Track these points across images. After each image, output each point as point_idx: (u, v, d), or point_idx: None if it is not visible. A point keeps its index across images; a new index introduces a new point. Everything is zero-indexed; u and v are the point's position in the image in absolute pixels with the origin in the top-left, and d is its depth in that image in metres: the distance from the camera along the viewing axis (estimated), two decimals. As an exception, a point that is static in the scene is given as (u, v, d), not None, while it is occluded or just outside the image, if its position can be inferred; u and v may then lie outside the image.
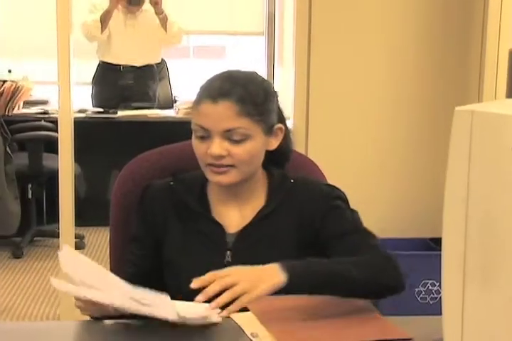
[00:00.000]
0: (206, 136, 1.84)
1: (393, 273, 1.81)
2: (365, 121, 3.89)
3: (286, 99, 3.74)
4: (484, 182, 1.21)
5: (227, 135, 1.83)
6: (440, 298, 3.99)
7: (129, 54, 6.35)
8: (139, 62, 6.38)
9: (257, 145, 1.88)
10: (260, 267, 1.72)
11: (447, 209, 1.26)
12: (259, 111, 1.86)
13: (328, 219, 1.90)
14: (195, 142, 1.88)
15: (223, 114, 1.83)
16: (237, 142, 1.84)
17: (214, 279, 1.66)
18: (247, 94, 1.85)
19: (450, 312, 1.29)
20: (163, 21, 6.18)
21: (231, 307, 1.66)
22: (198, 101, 1.87)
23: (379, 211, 3.88)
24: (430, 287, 3.83)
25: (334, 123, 3.86)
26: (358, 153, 3.88)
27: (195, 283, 1.66)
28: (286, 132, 1.98)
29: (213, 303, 1.65)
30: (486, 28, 3.79)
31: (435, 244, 3.82)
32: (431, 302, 3.81)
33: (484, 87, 3.79)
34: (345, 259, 1.81)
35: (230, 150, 1.84)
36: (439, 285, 3.81)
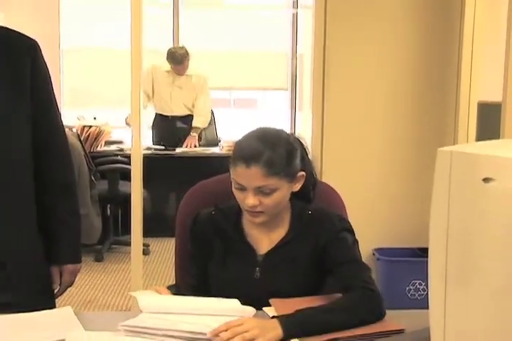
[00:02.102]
0: (242, 188, 1.81)
1: (376, 310, 1.70)
2: (368, 155, 3.89)
3: (305, 137, 3.75)
4: (462, 208, 1.21)
5: (259, 190, 1.79)
6: (426, 294, 3.95)
7: (176, 108, 6.41)
8: (182, 113, 6.42)
9: (283, 193, 1.83)
10: (265, 320, 1.64)
11: (432, 228, 1.26)
12: (283, 169, 1.80)
13: (332, 248, 1.84)
14: (234, 190, 1.83)
15: (254, 176, 1.77)
16: (267, 194, 1.79)
17: (228, 328, 1.55)
18: (274, 157, 1.78)
19: (435, 307, 1.28)
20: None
21: None
22: (234, 161, 1.81)
23: (378, 226, 3.86)
24: (418, 286, 3.79)
25: (343, 156, 3.85)
26: (362, 182, 3.87)
27: (210, 333, 1.54)
28: (308, 174, 1.91)
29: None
30: (460, 86, 3.78)
31: (422, 252, 3.79)
32: (419, 298, 3.77)
33: (459, 132, 3.77)
34: (336, 304, 1.71)
35: (262, 200, 1.80)
36: (425, 285, 3.79)
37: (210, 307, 1.67)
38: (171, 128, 6.40)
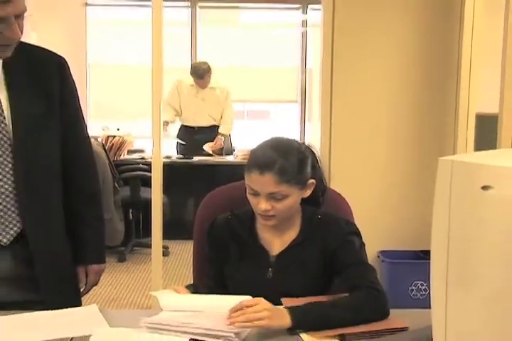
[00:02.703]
0: (256, 194, 1.80)
1: (381, 309, 1.69)
2: (373, 164, 3.88)
3: (315, 147, 3.76)
4: (462, 214, 1.20)
5: (271, 195, 1.78)
6: (427, 294, 3.93)
7: (199, 119, 6.44)
8: (206, 124, 6.44)
9: (294, 199, 1.82)
10: (276, 307, 1.63)
11: (434, 233, 1.25)
12: (295, 177, 1.80)
13: (340, 251, 1.82)
14: (248, 195, 1.83)
15: (267, 182, 1.77)
16: (278, 200, 1.79)
17: (241, 307, 1.58)
18: (287, 165, 1.78)
19: (437, 306, 1.27)
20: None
21: (244, 324, 1.56)
22: (249, 168, 1.80)
23: (382, 230, 3.85)
24: (420, 286, 3.77)
25: (350, 164, 3.84)
26: (368, 188, 3.86)
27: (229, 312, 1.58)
28: (317, 181, 1.90)
29: (232, 319, 1.56)
30: (459, 98, 3.77)
31: (423, 254, 3.78)
32: (421, 298, 3.75)
33: (458, 142, 3.76)
34: (343, 302, 1.70)
35: (274, 205, 1.79)
36: (427, 285, 3.77)
37: (226, 305, 1.66)
38: (193, 139, 6.41)
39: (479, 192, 1.16)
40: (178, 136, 6.49)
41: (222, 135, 6.39)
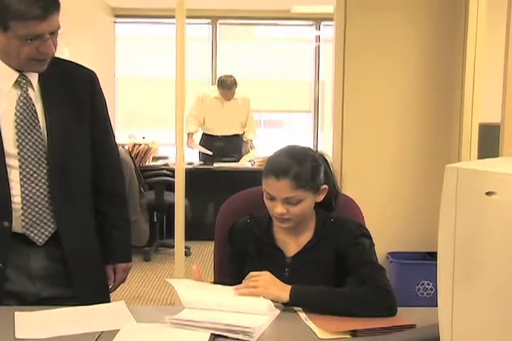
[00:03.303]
0: (272, 198, 1.80)
1: (385, 303, 1.68)
2: (382, 170, 3.86)
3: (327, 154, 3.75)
4: (467, 217, 1.20)
5: (286, 200, 1.78)
6: (433, 293, 3.91)
7: (223, 128, 6.47)
8: (229, 133, 6.47)
9: (308, 203, 1.82)
10: (280, 282, 1.71)
11: (441, 235, 1.24)
12: (309, 182, 1.79)
13: (351, 252, 1.81)
14: (265, 199, 1.83)
15: (283, 188, 1.77)
16: (293, 204, 1.79)
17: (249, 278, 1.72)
18: (301, 171, 1.78)
19: (444, 304, 1.27)
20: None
21: (242, 290, 1.71)
22: (266, 174, 1.80)
23: (391, 233, 3.83)
24: (426, 286, 3.74)
25: (361, 170, 3.83)
26: (378, 193, 3.85)
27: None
28: (330, 187, 1.90)
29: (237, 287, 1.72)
30: (463, 109, 3.76)
31: (430, 256, 3.76)
32: (427, 297, 3.72)
33: (462, 150, 3.73)
34: (350, 293, 1.71)
35: (289, 209, 1.79)
36: (433, 285, 3.75)
37: (244, 306, 1.66)
38: (215, 146, 6.43)
39: (483, 197, 1.16)
40: (200, 144, 6.51)
41: (249, 140, 6.48)
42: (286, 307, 1.69)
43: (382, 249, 3.64)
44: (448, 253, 1.21)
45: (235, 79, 6.25)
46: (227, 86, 6.22)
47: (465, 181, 1.19)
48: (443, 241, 1.23)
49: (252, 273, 1.73)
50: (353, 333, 1.55)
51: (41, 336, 1.52)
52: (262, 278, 1.70)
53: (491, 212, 1.16)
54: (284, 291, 1.68)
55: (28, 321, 1.62)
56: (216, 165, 6.11)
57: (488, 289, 1.18)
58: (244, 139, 6.48)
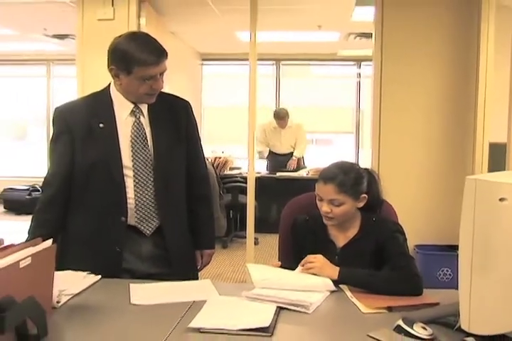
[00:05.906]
0: (321, 199, 1.80)
1: (414, 286, 1.63)
2: (412, 180, 3.80)
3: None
4: (484, 219, 1.18)
5: (331, 201, 1.78)
6: (451, 278, 3.78)
7: (281, 149, 6.57)
8: (286, 151, 6.55)
9: (348, 207, 1.80)
10: (331, 264, 1.70)
11: (462, 233, 1.22)
12: (351, 189, 1.78)
13: (387, 245, 1.78)
14: (317, 200, 1.83)
15: (328, 191, 1.77)
16: (336, 206, 1.78)
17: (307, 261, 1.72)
18: (345, 179, 1.77)
19: (463, 287, 1.24)
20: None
21: (303, 269, 1.72)
22: (318, 180, 1.81)
23: (418, 229, 3.74)
24: (446, 272, 3.64)
25: (395, 180, 3.76)
26: (409, 199, 3.77)
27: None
28: (375, 196, 1.87)
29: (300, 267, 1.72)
30: (476, 130, 3.66)
31: (449, 248, 3.63)
32: (446, 281, 3.62)
33: (475, 165, 3.63)
34: (387, 276, 1.67)
35: (333, 209, 1.78)
36: (451, 271, 3.65)
37: (306, 285, 1.65)
38: (277, 160, 6.52)
39: (497, 202, 1.14)
40: (267, 158, 6.64)
41: (295, 156, 6.49)
42: (336, 286, 1.66)
43: (410, 242, 3.51)
44: (467, 247, 1.19)
45: (287, 111, 6.37)
46: (281, 116, 6.34)
47: (482, 189, 1.17)
48: (464, 237, 1.21)
49: (309, 256, 1.72)
50: (389, 309, 1.53)
51: (150, 302, 1.55)
52: (318, 260, 1.70)
53: (503, 215, 1.15)
54: (334, 271, 1.67)
55: (140, 291, 1.65)
56: (279, 174, 6.12)
57: (501, 275, 1.16)
58: (293, 157, 6.47)
